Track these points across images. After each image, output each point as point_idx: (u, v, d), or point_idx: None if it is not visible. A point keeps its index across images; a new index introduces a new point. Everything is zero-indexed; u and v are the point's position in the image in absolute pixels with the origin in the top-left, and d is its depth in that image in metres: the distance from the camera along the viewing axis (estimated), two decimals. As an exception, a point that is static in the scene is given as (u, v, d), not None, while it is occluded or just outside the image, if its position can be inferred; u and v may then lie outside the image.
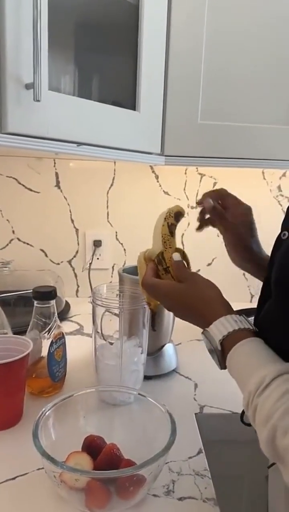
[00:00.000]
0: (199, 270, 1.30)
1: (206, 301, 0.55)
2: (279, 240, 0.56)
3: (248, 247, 0.68)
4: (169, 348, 0.87)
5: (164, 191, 1.28)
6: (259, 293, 0.59)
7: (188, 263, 0.63)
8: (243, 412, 0.55)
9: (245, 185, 1.28)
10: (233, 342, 0.49)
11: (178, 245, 0.64)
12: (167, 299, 0.60)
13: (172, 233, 0.63)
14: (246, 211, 0.68)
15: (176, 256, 0.60)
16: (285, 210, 0.57)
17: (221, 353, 0.50)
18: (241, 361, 0.48)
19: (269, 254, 0.58)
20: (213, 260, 1.31)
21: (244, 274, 1.28)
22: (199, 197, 0.70)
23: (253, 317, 0.58)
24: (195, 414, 0.73)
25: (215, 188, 0.70)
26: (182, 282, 0.59)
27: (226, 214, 0.68)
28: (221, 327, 0.51)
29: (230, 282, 1.29)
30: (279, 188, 1.31)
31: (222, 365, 0.51)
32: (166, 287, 0.60)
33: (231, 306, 0.55)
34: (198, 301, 0.56)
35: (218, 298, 0.56)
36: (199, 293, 0.56)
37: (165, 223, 0.64)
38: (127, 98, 0.89)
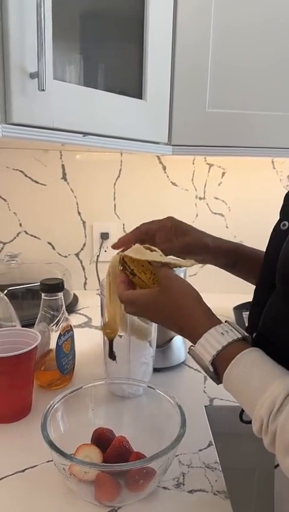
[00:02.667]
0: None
1: (182, 310, 0.50)
2: (277, 230, 0.53)
3: (201, 244, 0.66)
4: (177, 340, 0.86)
5: (171, 182, 1.27)
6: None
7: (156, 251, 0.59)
8: (242, 410, 0.52)
9: (254, 174, 1.27)
10: (225, 360, 0.44)
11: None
12: (146, 310, 0.55)
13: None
14: (167, 222, 0.66)
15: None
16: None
17: (215, 373, 0.47)
18: (240, 381, 0.43)
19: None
20: (221, 252, 1.30)
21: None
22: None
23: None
24: (205, 406, 0.72)
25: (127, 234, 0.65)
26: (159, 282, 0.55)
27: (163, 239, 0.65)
28: (208, 346, 0.46)
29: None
30: (289, 177, 1.29)
31: (218, 381, 0.47)
32: (142, 298, 0.54)
33: (211, 310, 0.51)
34: (173, 311, 0.51)
35: (195, 305, 0.51)
36: (173, 301, 0.51)
37: None
38: (133, 87, 0.88)
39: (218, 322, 0.48)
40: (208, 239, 0.67)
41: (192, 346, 0.49)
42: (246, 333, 0.48)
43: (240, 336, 0.46)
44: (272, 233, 0.55)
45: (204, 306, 0.51)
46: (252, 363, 0.44)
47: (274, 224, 0.57)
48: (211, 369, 0.46)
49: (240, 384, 0.44)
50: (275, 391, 0.40)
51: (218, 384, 0.47)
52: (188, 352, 0.50)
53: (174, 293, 0.52)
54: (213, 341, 0.46)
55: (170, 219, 0.67)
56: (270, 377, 0.42)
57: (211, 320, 0.49)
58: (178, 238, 0.66)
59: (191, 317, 0.50)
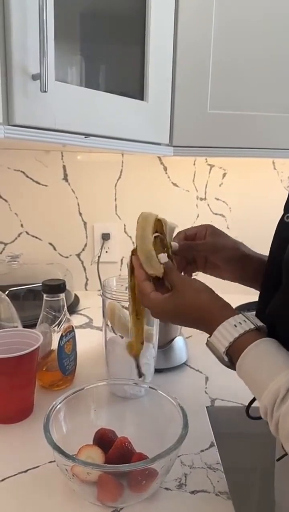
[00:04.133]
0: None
1: (199, 308, 0.53)
2: (282, 224, 0.54)
3: (241, 255, 0.65)
4: (179, 341, 0.86)
5: (172, 182, 1.27)
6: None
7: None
8: (248, 406, 0.54)
9: (255, 175, 1.27)
10: (238, 351, 0.47)
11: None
12: (165, 316, 0.58)
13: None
14: (202, 228, 0.66)
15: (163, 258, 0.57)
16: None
17: (230, 363, 0.49)
18: (251, 370, 0.46)
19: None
20: (222, 252, 1.30)
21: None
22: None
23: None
24: (206, 407, 0.72)
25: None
26: (172, 286, 0.56)
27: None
28: (221, 337, 0.48)
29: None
30: (290, 178, 1.29)
31: (234, 369, 0.49)
32: (159, 304, 0.56)
33: (228, 304, 0.53)
34: (191, 310, 0.53)
35: (211, 302, 0.53)
36: (190, 300, 0.54)
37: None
38: (135, 88, 0.88)
39: (232, 314, 0.50)
40: (240, 244, 0.67)
41: (208, 338, 0.51)
42: (259, 323, 0.49)
43: (252, 326, 0.48)
44: (276, 228, 0.56)
45: (218, 301, 0.53)
46: (262, 354, 0.46)
47: (275, 224, 0.57)
48: (226, 359, 0.49)
49: (250, 374, 0.46)
50: (280, 381, 0.42)
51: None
52: (206, 344, 0.52)
53: (189, 295, 0.54)
54: (226, 333, 0.48)
55: (206, 225, 0.67)
56: (277, 367, 0.44)
57: (225, 313, 0.50)
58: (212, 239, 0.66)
59: (207, 314, 0.52)
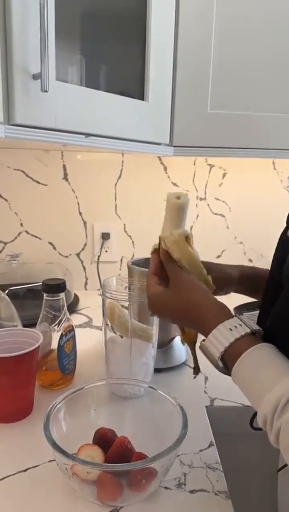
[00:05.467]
0: (208, 262, 1.29)
1: (193, 305, 0.51)
2: (284, 237, 0.53)
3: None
4: (178, 341, 0.86)
5: (172, 182, 1.27)
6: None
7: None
8: (253, 417, 0.53)
9: (255, 175, 1.27)
10: (234, 356, 0.45)
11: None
12: (160, 311, 0.57)
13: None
14: None
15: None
16: None
17: (226, 368, 0.48)
18: (248, 377, 0.44)
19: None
20: (222, 252, 1.30)
21: (253, 266, 1.27)
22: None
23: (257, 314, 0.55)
24: (206, 407, 0.72)
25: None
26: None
27: None
28: (216, 342, 0.47)
29: (239, 274, 1.28)
30: (289, 178, 1.30)
31: (229, 374, 0.48)
32: (156, 296, 0.55)
33: (223, 305, 0.51)
34: (183, 305, 0.52)
35: (204, 300, 0.52)
36: (183, 296, 0.52)
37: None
38: (135, 88, 0.88)
39: (228, 317, 0.48)
40: (231, 270, 0.67)
41: (202, 341, 0.50)
42: (255, 327, 0.47)
43: (248, 331, 0.46)
44: (279, 241, 0.54)
45: (213, 300, 0.52)
46: (259, 361, 0.44)
47: (275, 224, 0.57)
48: (221, 364, 0.47)
49: (247, 381, 0.44)
50: (281, 389, 0.40)
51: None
52: (199, 347, 0.51)
53: (183, 288, 0.53)
54: (221, 338, 0.47)
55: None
56: (276, 375, 0.42)
57: (220, 314, 0.49)
58: None
59: (201, 311, 0.51)
